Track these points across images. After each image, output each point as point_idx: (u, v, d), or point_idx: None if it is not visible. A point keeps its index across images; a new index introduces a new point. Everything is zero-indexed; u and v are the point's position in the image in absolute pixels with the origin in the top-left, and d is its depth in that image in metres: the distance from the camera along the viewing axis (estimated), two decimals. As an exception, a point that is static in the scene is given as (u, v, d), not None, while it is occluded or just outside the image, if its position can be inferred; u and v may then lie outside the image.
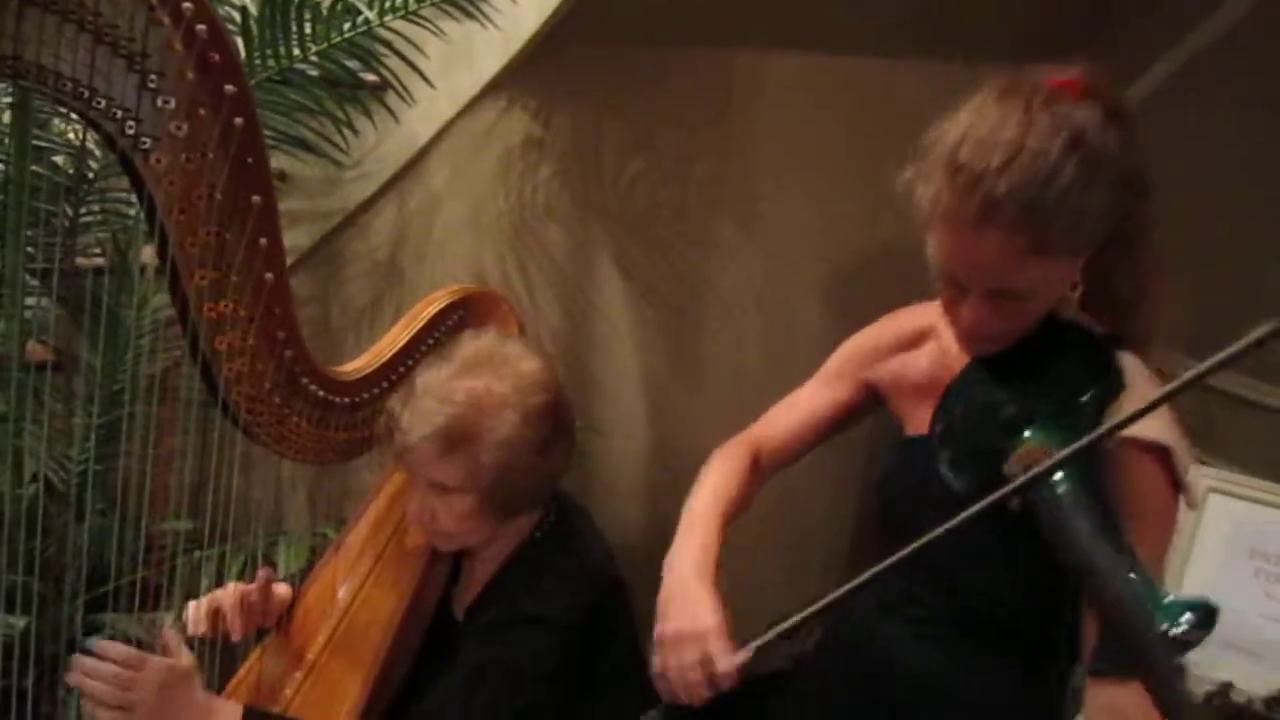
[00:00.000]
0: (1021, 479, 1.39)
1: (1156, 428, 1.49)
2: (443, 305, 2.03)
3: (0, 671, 2.26)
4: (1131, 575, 1.32)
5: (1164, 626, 1.26)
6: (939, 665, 1.72)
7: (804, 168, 3.21)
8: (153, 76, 1.48)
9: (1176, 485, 1.53)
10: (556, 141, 2.99)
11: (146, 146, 1.52)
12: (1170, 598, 1.27)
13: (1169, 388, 1.30)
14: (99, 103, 1.46)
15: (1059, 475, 1.38)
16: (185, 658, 1.82)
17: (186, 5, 1.45)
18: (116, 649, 1.76)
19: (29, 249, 2.36)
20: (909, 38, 3.04)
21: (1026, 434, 1.46)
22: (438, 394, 1.83)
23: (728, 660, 1.54)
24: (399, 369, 1.97)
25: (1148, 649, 1.26)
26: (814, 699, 1.98)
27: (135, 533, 2.20)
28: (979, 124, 1.44)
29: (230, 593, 1.98)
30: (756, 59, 3.13)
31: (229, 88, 1.53)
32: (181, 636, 1.85)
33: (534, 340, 2.84)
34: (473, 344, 1.91)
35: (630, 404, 3.28)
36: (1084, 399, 1.48)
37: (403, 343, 1.98)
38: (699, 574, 1.68)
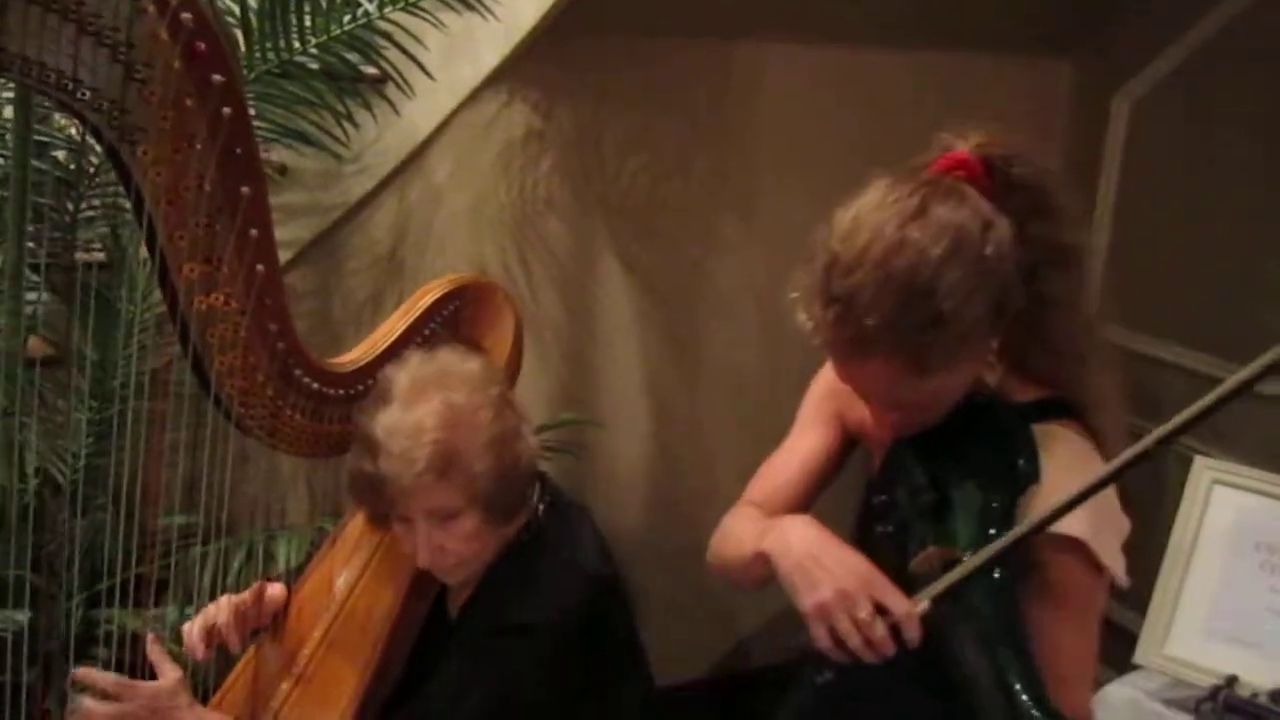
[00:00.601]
0: (929, 607, 1.40)
1: (1074, 519, 1.42)
2: (438, 295, 2.02)
3: (0, 666, 2.26)
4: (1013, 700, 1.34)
5: None
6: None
7: (805, 162, 3.19)
8: (138, 67, 1.48)
9: (1098, 572, 1.49)
10: (557, 134, 2.98)
11: (133, 138, 1.52)
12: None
13: (1066, 499, 1.33)
14: (84, 94, 1.46)
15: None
16: (171, 672, 1.84)
17: (171, -6, 1.44)
18: (104, 677, 1.81)
19: (29, 244, 2.36)
20: (911, 31, 3.03)
21: (936, 533, 1.47)
22: (405, 431, 1.79)
23: (907, 604, 1.40)
24: (394, 360, 1.95)
25: None
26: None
27: (134, 528, 2.20)
28: (851, 243, 1.41)
29: (224, 607, 1.98)
30: (757, 51, 3.13)
31: (216, 77, 1.53)
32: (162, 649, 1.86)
33: (534, 333, 2.85)
34: (405, 374, 1.86)
35: (630, 396, 3.28)
36: (993, 503, 1.44)
37: (398, 333, 1.96)
38: (822, 533, 1.52)
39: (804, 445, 1.85)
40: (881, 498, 1.59)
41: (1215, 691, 2.38)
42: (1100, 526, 1.47)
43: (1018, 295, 1.43)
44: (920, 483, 1.50)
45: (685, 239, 3.21)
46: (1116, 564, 1.50)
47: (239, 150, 1.59)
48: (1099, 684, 2.60)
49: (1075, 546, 1.46)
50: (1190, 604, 2.54)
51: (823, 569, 1.44)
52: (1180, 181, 3.06)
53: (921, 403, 1.47)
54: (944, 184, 1.43)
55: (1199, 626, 2.51)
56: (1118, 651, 2.71)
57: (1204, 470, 2.59)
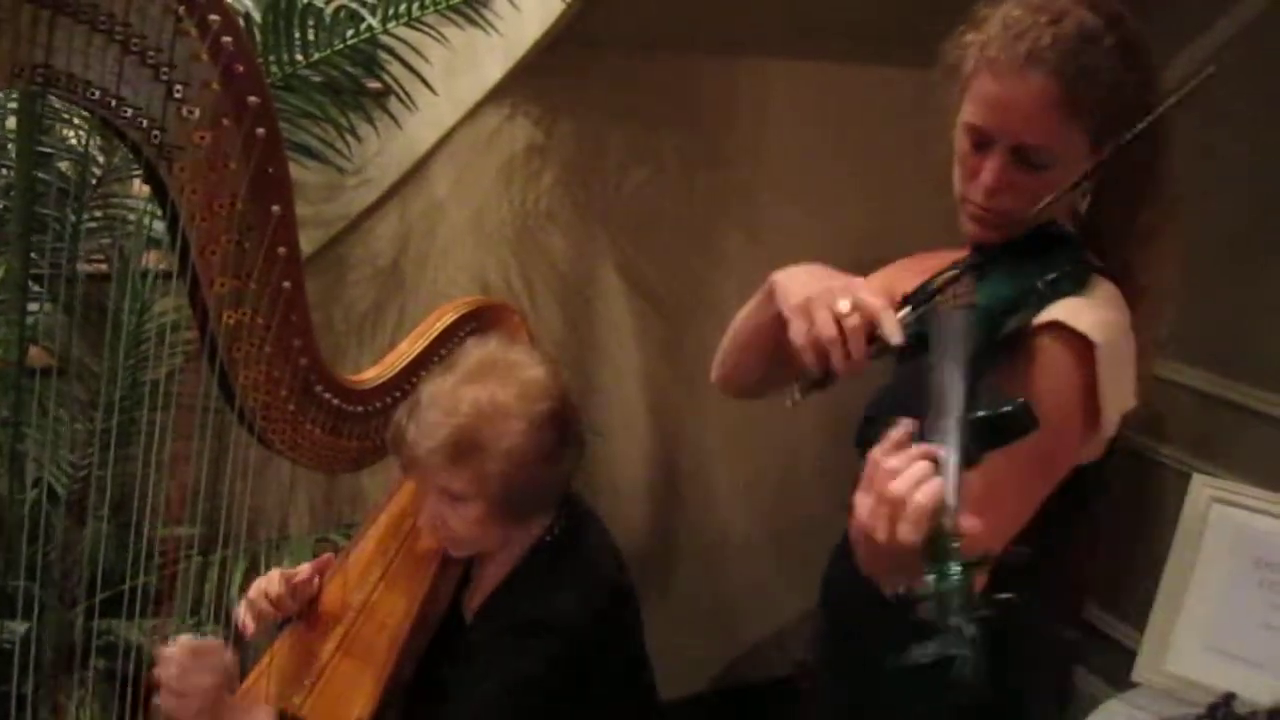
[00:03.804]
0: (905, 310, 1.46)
1: (1090, 324, 1.45)
2: (455, 318, 2.05)
3: (2, 677, 2.26)
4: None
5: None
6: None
7: (807, 177, 3.21)
8: (178, 86, 1.50)
9: (1088, 391, 1.47)
10: (559, 148, 2.99)
11: (171, 156, 1.54)
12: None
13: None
14: (126, 111, 1.48)
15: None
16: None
17: (213, 17, 1.46)
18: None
19: (32, 254, 2.36)
20: (915, 48, 3.03)
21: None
22: (443, 405, 1.83)
23: (886, 303, 1.42)
24: (411, 380, 1.98)
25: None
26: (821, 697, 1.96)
27: (137, 539, 2.20)
28: None
29: (274, 579, 2.01)
30: (759, 68, 3.14)
31: (253, 99, 1.55)
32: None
33: (537, 347, 2.85)
34: (477, 352, 1.91)
35: (632, 410, 3.29)
36: (1043, 278, 1.48)
37: (415, 354, 2.00)
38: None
39: None
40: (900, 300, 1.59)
41: (1214, 708, 2.40)
42: (1115, 351, 1.47)
43: (1141, 106, 1.49)
44: (965, 278, 1.56)
45: (687, 252, 3.22)
46: (1109, 407, 1.49)
47: (271, 170, 1.63)
48: (1096, 701, 2.63)
49: (1081, 347, 1.46)
50: (1189, 621, 2.56)
51: (816, 276, 1.51)
52: (1181, 199, 3.07)
53: (1042, 151, 1.50)
54: None
55: (1198, 644, 2.53)
56: (1117, 669, 2.74)
57: (1202, 488, 2.61)
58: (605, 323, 3.19)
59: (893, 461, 1.20)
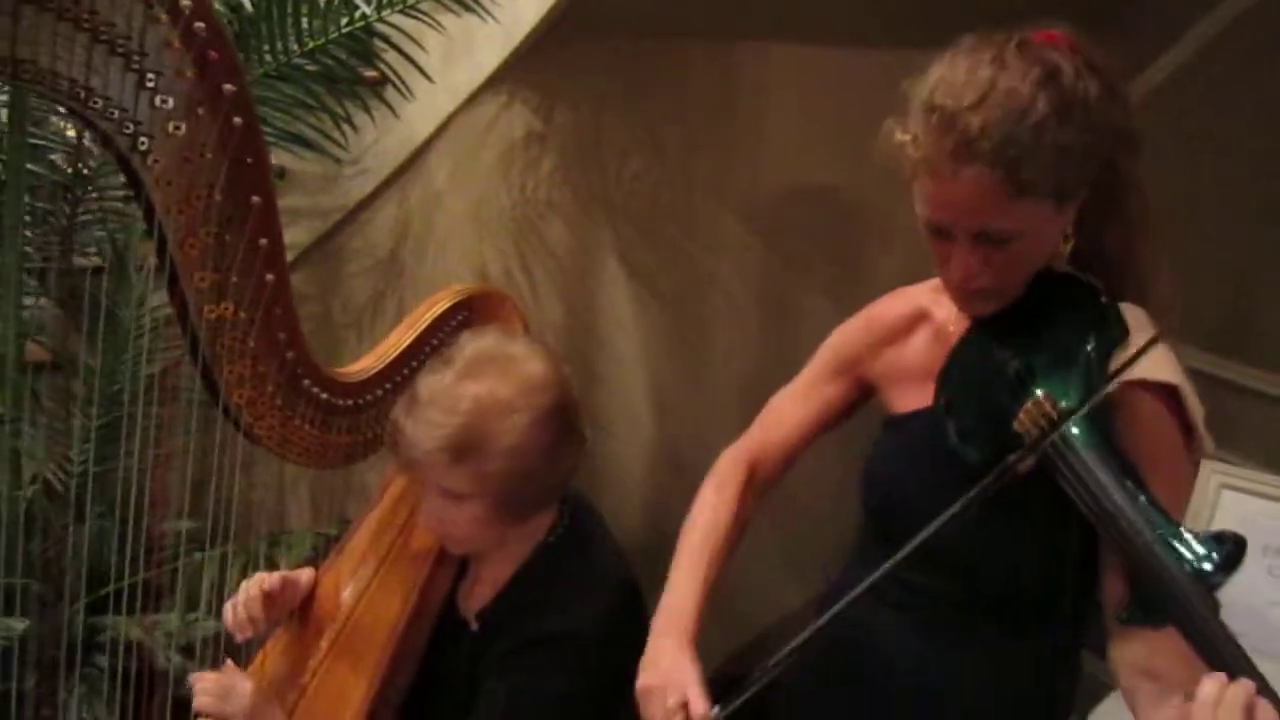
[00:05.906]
0: (1039, 437, 1.41)
1: (1165, 369, 1.49)
2: (447, 306, 2.01)
3: (1, 675, 2.25)
4: (1156, 519, 1.34)
5: (1193, 566, 1.29)
6: (935, 655, 1.69)
7: (808, 163, 3.18)
8: (150, 75, 1.47)
9: (1187, 429, 1.51)
10: (558, 136, 2.97)
11: (144, 147, 1.50)
12: (1195, 537, 1.31)
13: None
14: (96, 102, 1.45)
15: (1074, 428, 1.41)
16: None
17: (185, 3, 1.43)
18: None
19: (26, 248, 2.34)
20: (915, 31, 3.00)
21: (1034, 390, 1.47)
22: (442, 403, 1.78)
23: (705, 706, 1.53)
24: (403, 371, 1.94)
25: (1179, 590, 1.28)
26: (808, 696, 1.94)
27: (136, 534, 2.18)
28: (952, 69, 1.45)
29: (255, 582, 1.98)
30: (759, 52, 3.11)
31: (228, 86, 1.52)
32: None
33: (537, 337, 2.83)
34: (474, 345, 1.86)
35: (634, 400, 3.27)
36: (1087, 347, 1.47)
37: (406, 344, 1.96)
38: (678, 636, 1.67)
39: (803, 398, 1.91)
40: (945, 398, 1.59)
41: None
42: (1187, 387, 1.51)
43: (1100, 150, 1.46)
44: (1000, 357, 1.53)
45: (687, 241, 3.20)
46: (1201, 427, 1.51)
47: (250, 159, 1.59)
48: (1097, 682, 2.60)
49: (1168, 394, 1.50)
50: (1198, 608, 2.53)
51: (662, 658, 1.62)
52: (1181, 182, 3.05)
53: (1004, 233, 1.45)
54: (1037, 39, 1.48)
55: (1207, 631, 2.50)
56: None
57: (1211, 475, 2.58)
58: (606, 311, 3.17)
59: None
